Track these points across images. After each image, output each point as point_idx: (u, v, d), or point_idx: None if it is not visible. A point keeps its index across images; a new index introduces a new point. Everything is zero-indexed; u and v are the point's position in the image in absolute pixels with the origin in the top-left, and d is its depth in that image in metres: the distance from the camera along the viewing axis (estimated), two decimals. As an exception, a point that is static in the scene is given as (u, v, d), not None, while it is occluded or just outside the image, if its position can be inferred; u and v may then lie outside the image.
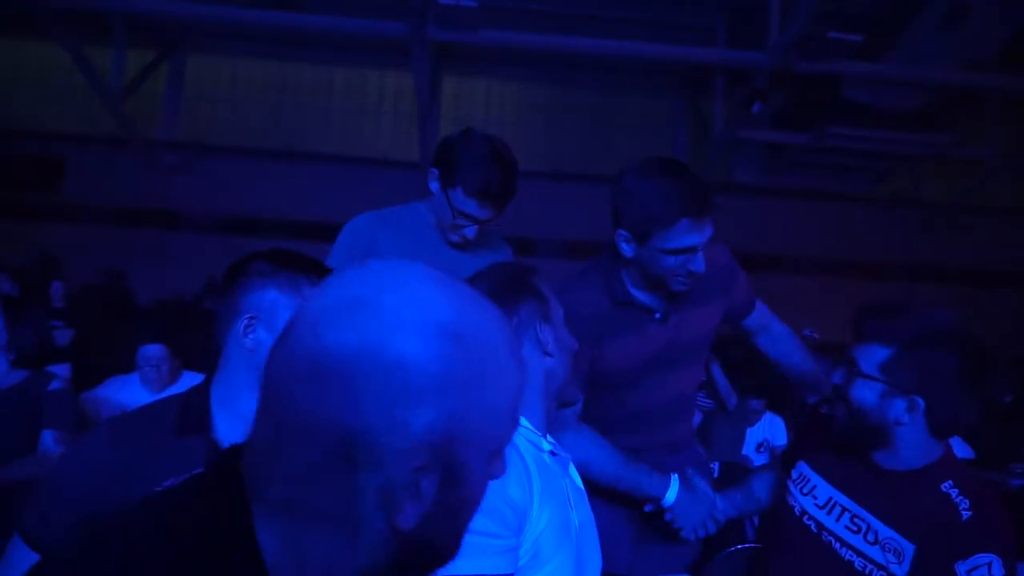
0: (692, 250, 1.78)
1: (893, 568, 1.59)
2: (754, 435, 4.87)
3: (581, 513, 1.43)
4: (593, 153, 10.06)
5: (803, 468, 1.81)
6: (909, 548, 1.58)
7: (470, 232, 2.20)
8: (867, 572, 1.63)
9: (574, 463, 1.76)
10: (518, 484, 1.28)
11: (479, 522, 1.19)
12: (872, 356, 1.60)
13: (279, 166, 9.51)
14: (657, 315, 1.94)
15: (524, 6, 8.89)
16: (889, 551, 1.60)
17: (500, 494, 1.24)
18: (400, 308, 0.68)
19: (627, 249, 1.83)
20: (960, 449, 4.29)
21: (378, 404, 0.66)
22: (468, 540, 1.17)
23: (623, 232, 1.83)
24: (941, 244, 9.97)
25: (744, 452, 4.80)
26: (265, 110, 9.80)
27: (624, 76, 9.78)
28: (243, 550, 0.69)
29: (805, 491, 1.77)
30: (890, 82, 8.73)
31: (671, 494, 1.88)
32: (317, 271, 1.41)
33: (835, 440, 1.69)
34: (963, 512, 1.55)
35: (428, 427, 0.67)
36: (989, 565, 1.49)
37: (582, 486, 1.50)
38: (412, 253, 2.25)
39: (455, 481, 0.72)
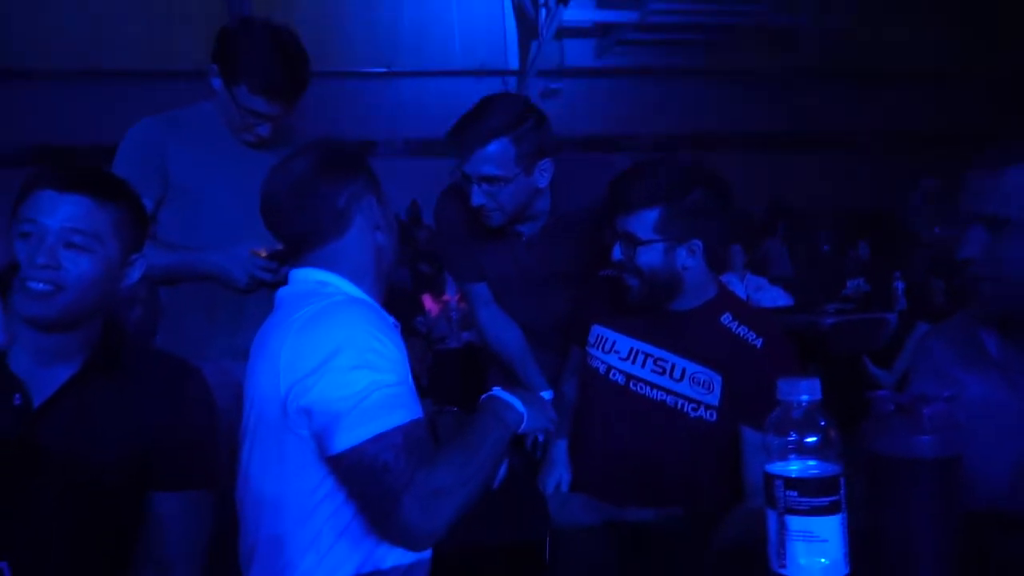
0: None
1: (705, 398, 1.72)
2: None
3: None
4: (425, 48, 9.81)
5: (599, 330, 1.88)
6: (717, 378, 1.72)
7: (264, 131, 2.09)
8: (679, 407, 1.74)
9: (490, 337, 2.20)
10: (397, 341, 1.35)
11: (387, 376, 1.27)
12: (644, 221, 1.68)
13: (83, 87, 8.76)
14: (524, 239, 2.11)
15: None
16: (698, 384, 1.73)
17: (387, 350, 1.31)
18: None
19: None
20: (781, 298, 4.64)
21: None
22: (383, 395, 1.25)
23: None
24: (766, 111, 10.37)
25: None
26: (59, 27, 8.91)
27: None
28: None
29: (607, 349, 1.84)
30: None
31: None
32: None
33: (635, 306, 1.76)
34: (754, 341, 1.72)
35: None
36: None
37: None
38: (207, 158, 2.13)
39: None
